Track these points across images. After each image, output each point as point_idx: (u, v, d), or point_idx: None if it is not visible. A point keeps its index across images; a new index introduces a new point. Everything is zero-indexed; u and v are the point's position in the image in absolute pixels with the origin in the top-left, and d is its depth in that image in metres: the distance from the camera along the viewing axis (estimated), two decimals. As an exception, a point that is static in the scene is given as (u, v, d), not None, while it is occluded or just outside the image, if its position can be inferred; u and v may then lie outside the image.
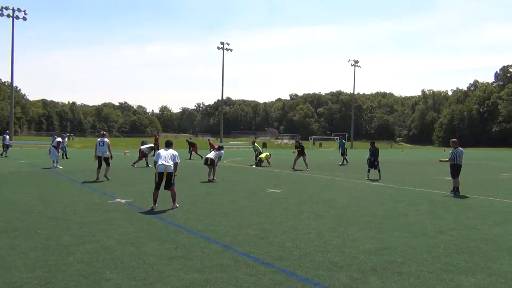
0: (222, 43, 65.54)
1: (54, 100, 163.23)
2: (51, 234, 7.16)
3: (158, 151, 10.11)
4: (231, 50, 66.21)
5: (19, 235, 7.06)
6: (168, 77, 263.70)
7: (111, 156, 15.90)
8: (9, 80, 57.53)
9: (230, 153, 42.40)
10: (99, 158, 15.66)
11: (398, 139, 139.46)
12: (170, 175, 9.67)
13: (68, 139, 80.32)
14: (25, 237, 6.94)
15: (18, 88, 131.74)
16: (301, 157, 22.24)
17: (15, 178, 15.91)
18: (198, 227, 7.84)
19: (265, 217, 8.91)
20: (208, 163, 16.02)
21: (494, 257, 6.23)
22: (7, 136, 31.06)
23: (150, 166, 21.38)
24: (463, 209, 10.42)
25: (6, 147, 30.02)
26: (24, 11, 52.18)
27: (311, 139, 73.81)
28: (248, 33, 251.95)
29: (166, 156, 9.78)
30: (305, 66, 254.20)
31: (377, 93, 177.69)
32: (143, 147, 22.83)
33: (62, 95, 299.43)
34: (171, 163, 9.73)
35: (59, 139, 22.47)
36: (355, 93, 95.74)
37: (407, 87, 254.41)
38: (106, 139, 15.86)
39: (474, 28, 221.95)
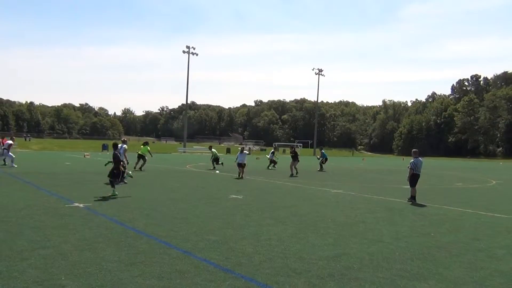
0: (188, 47, 65.21)
1: (10, 99, 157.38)
2: (4, 239, 6.90)
3: None
4: (197, 55, 65.92)
5: (-32, 239, 6.76)
6: (132, 79, 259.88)
7: (127, 162, 16.10)
8: (-38, 77, 54.90)
9: (194, 158, 42.14)
10: None
11: (359, 147, 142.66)
12: None
13: (25, 140, 77.54)
14: (-25, 242, 6.65)
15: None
16: (294, 162, 23.20)
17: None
18: (158, 233, 7.76)
19: (226, 223, 8.91)
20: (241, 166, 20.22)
21: (445, 263, 6.49)
22: None
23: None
24: (419, 217, 10.78)
25: None
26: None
27: (275, 145, 74.20)
28: (214, 38, 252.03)
29: None
30: (270, 73, 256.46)
31: (340, 102, 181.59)
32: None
33: (19, 95, 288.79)
34: None
35: (10, 141, 22.14)
36: (319, 101, 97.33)
37: (369, 97, 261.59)
38: (124, 145, 16.24)
39: (433, 43, 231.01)
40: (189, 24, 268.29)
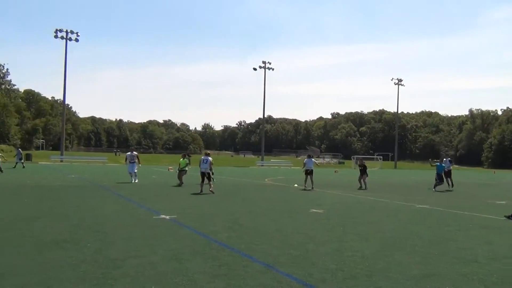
0: (263, 62, 66.48)
1: (102, 117, 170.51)
2: (99, 247, 7.38)
3: None
4: (273, 69, 67.08)
5: (70, 247, 7.33)
6: (211, 95, 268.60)
7: (212, 173, 17.53)
8: (62, 98, 60.53)
9: (272, 172, 42.43)
10: (202, 174, 17.42)
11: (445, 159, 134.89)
12: None
13: (115, 155, 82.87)
14: (75, 249, 7.18)
15: (69, 106, 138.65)
16: (362, 176, 22.93)
17: (65, 192, 16.57)
18: (241, 246, 7.85)
19: (307, 238, 8.81)
20: (308, 172, 21.08)
21: (553, 288, 5.86)
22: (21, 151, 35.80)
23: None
24: (517, 236, 9.89)
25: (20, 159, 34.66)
26: (77, 33, 55.12)
27: (353, 158, 72.60)
28: (289, 52, 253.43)
29: None
30: (346, 84, 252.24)
31: (422, 112, 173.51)
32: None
33: (110, 113, 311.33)
34: None
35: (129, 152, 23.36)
36: (399, 112, 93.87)
37: (452, 106, 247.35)
38: (209, 158, 17.60)
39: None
40: (265, 38, 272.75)
